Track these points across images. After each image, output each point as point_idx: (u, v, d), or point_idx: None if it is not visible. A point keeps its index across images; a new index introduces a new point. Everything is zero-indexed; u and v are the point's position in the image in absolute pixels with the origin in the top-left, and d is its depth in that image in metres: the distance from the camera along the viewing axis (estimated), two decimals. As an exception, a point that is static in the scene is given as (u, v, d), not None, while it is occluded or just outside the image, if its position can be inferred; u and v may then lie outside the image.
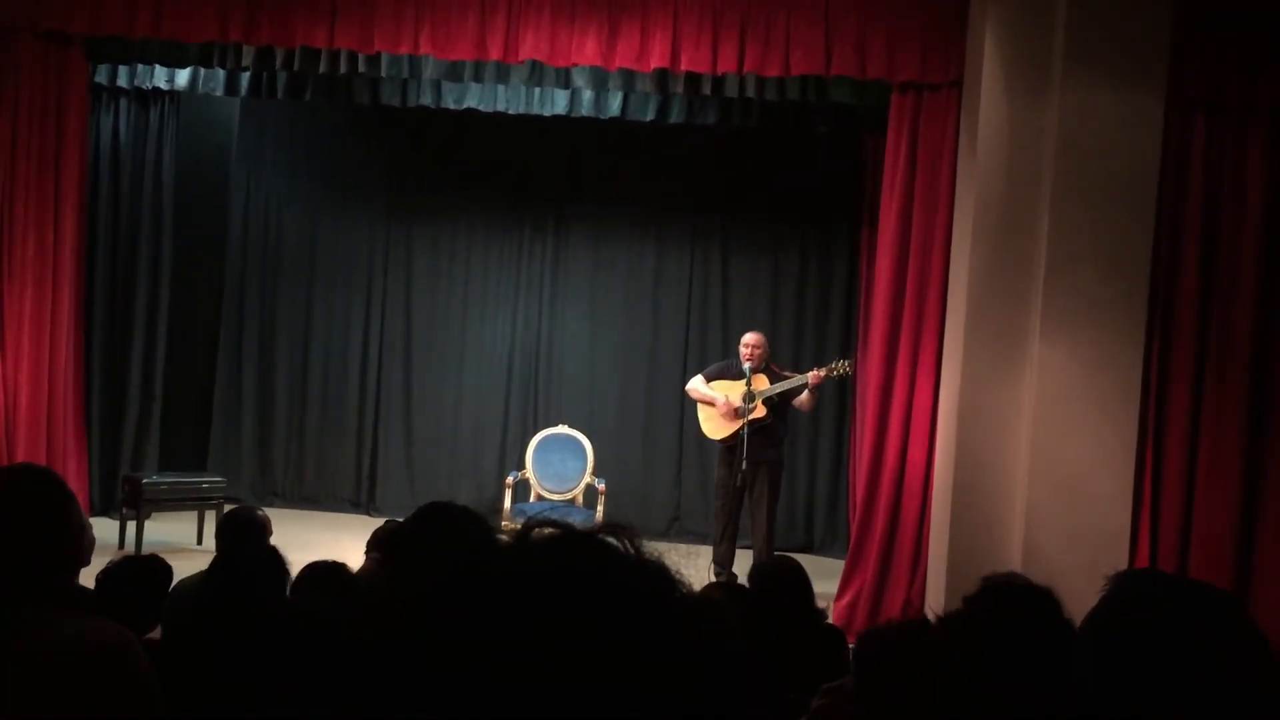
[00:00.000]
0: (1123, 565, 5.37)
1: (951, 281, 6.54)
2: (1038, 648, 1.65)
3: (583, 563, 0.85)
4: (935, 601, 6.20)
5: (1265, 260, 6.24)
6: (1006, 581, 2.01)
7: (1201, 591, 1.59)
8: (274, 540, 4.57)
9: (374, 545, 3.83)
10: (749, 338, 7.33)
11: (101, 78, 7.95)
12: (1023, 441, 6.10)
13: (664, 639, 0.82)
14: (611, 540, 0.88)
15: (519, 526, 0.91)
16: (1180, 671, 1.45)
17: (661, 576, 0.87)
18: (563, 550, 0.86)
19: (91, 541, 2.11)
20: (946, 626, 1.95)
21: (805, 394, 7.19)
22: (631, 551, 0.87)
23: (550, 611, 0.80)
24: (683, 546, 8.61)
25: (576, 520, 1.04)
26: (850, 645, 3.84)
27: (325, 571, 3.29)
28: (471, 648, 0.79)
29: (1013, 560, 5.83)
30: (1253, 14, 6.16)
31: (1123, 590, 1.60)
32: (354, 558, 3.54)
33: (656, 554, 0.89)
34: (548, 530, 0.88)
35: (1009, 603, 1.93)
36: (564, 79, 7.39)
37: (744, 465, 6.99)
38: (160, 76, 8.08)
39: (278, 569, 3.04)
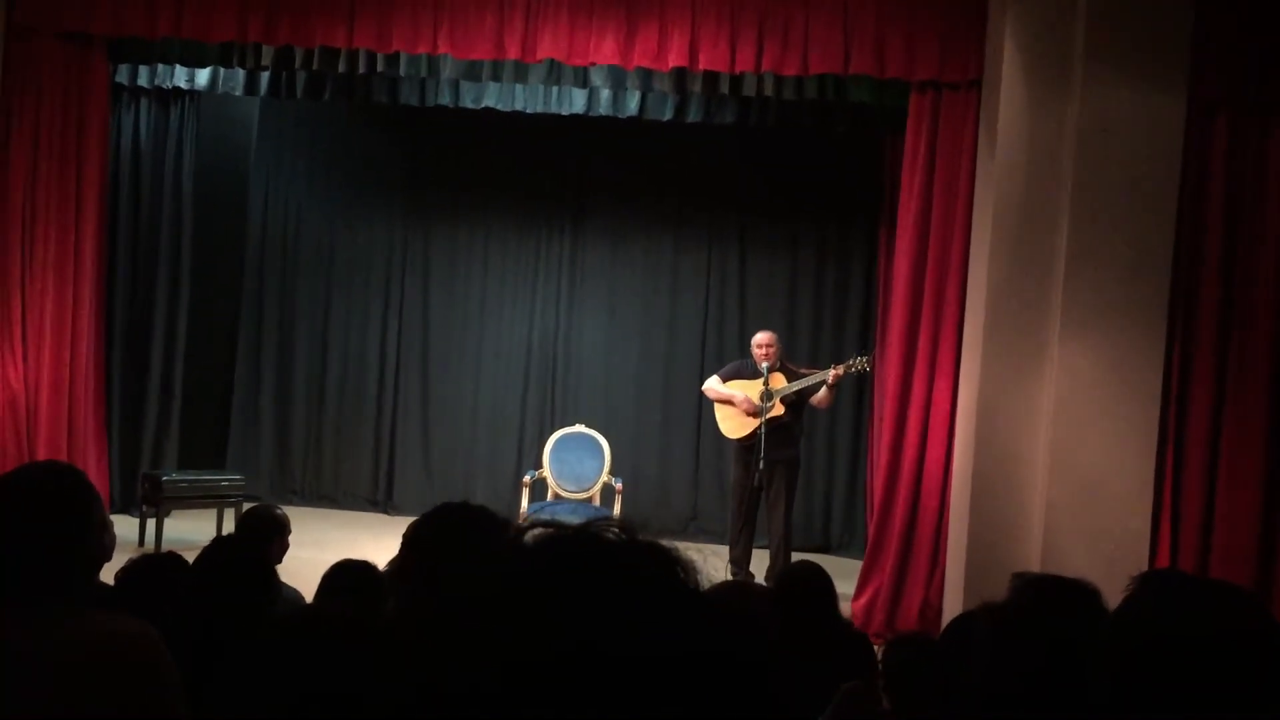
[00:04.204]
0: (1143, 566, 5.34)
1: (970, 281, 6.51)
2: (1081, 640, 1.65)
3: (584, 561, 0.86)
4: (954, 602, 6.18)
5: (1288, 260, 6.19)
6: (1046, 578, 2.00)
7: (1224, 591, 1.59)
8: (292, 539, 4.60)
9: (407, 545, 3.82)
10: (762, 337, 7.32)
11: (122, 77, 7.99)
12: (1042, 441, 6.07)
13: (676, 624, 0.82)
14: (608, 533, 0.88)
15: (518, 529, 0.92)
16: (1205, 671, 1.45)
17: (660, 559, 0.87)
18: (562, 551, 0.87)
19: (113, 539, 2.12)
20: (988, 619, 1.95)
21: (823, 391, 7.18)
22: (625, 539, 0.88)
23: (559, 615, 0.81)
24: (699, 546, 8.55)
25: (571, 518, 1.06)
26: (873, 649, 3.83)
27: (354, 571, 3.30)
28: (492, 659, 0.80)
29: (1032, 560, 5.81)
30: (1274, 13, 6.11)
31: (1147, 591, 1.59)
32: (372, 556, 3.54)
33: (649, 539, 0.90)
34: (540, 531, 0.89)
35: (1053, 596, 1.92)
36: (582, 78, 7.39)
37: (761, 465, 6.98)
38: (180, 76, 8.12)
39: (260, 571, 2.99)
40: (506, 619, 0.81)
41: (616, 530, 0.88)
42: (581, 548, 0.87)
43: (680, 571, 0.87)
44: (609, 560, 0.85)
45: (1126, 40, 5.96)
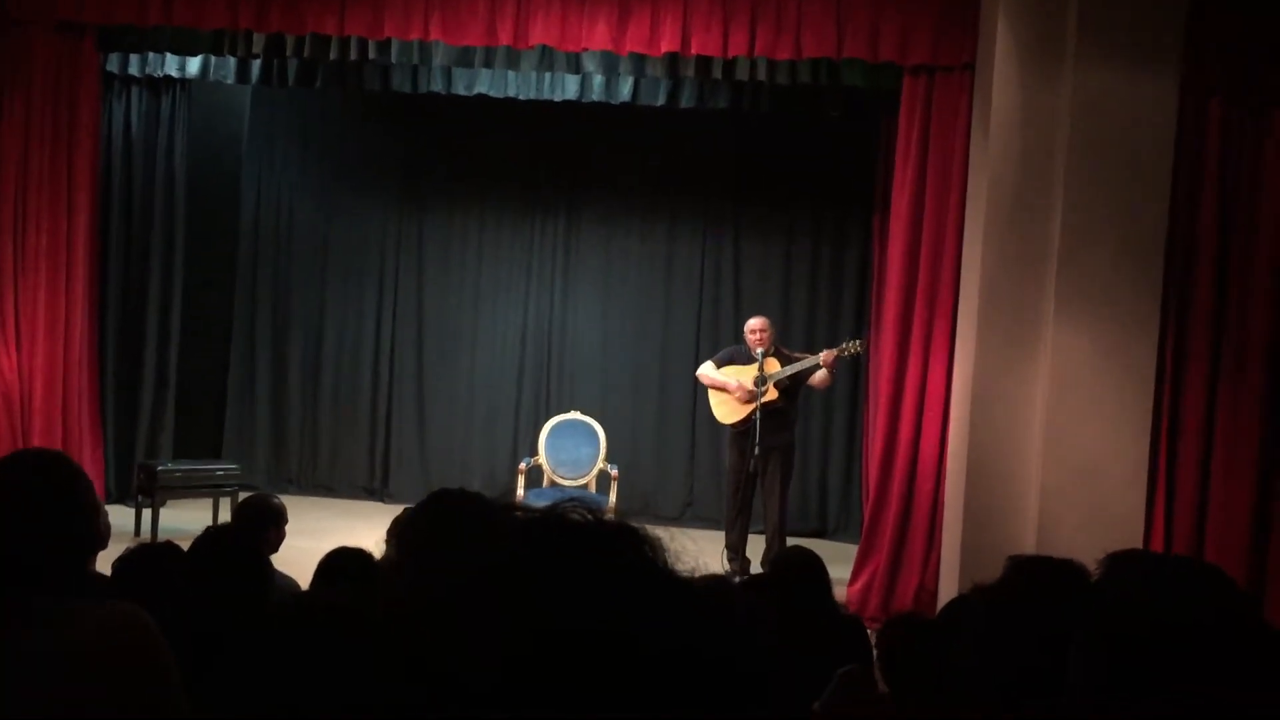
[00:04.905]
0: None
1: (964, 265, 6.51)
2: (1073, 621, 1.67)
3: (558, 546, 0.86)
4: (949, 586, 6.20)
5: (1281, 243, 6.19)
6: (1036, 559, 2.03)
7: (1190, 568, 1.64)
8: (289, 527, 4.60)
9: (392, 534, 3.83)
10: (755, 323, 7.32)
11: (113, 66, 7.95)
12: (1036, 425, 6.08)
13: (652, 603, 0.83)
14: (573, 515, 0.89)
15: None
16: (1176, 647, 1.48)
17: (629, 539, 0.88)
18: (534, 535, 0.87)
19: (107, 525, 2.10)
20: (981, 600, 1.97)
21: (822, 372, 7.19)
22: (592, 521, 0.89)
23: (546, 604, 0.81)
24: (695, 532, 8.60)
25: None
26: (869, 633, 3.84)
27: (350, 559, 3.30)
28: (494, 648, 0.80)
29: (1027, 544, 5.82)
30: (1270, 2, 6.11)
31: (1114, 572, 1.63)
32: (368, 544, 3.54)
33: (615, 519, 0.90)
34: (521, 514, 0.90)
35: (1045, 577, 1.94)
36: (574, 64, 7.37)
37: (756, 451, 6.98)
38: (171, 65, 8.09)
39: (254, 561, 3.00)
40: (491, 610, 0.81)
41: (582, 512, 0.89)
42: (552, 532, 0.87)
43: (648, 550, 0.88)
44: (581, 543, 0.86)
45: (1119, 22, 5.95)
